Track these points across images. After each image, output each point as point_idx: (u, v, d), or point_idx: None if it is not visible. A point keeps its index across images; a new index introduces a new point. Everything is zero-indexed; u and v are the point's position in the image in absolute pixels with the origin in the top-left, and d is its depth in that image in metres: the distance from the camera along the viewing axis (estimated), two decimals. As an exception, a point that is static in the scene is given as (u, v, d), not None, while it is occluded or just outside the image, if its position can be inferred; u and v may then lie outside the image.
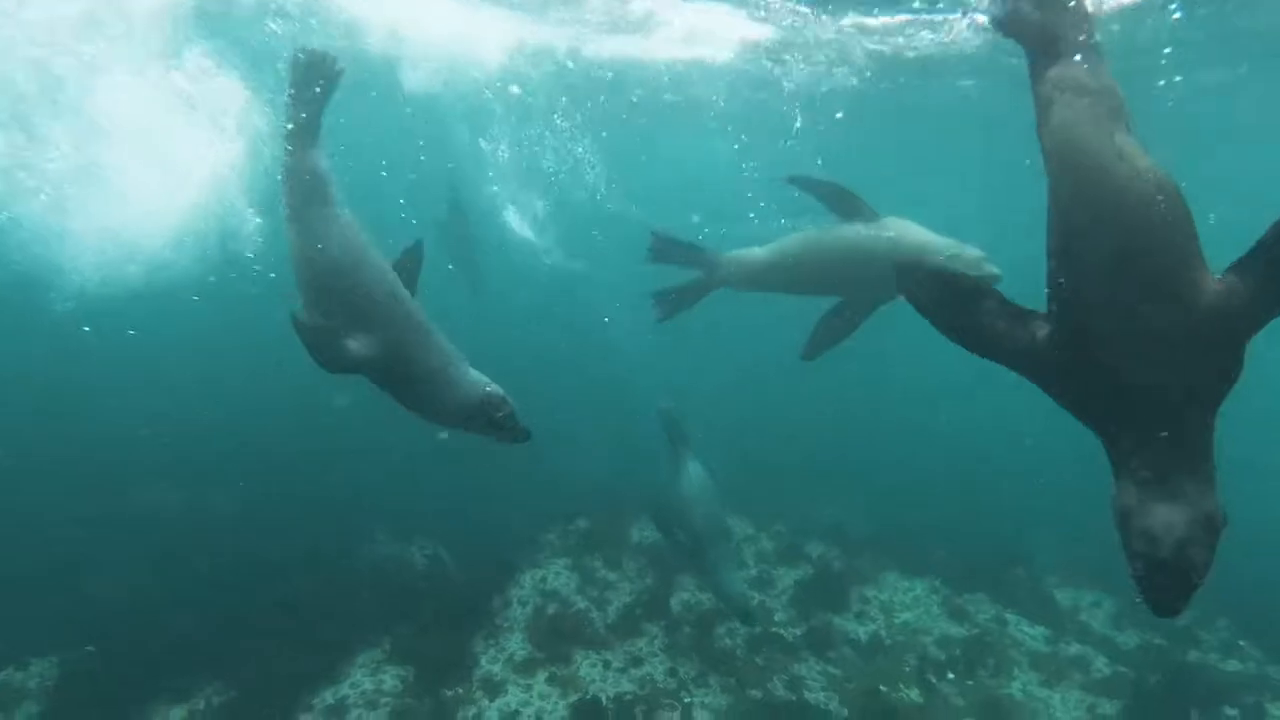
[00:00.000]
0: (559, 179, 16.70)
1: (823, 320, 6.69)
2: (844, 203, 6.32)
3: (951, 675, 9.57)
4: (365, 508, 13.30)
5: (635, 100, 16.39)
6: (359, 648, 9.16)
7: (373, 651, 9.09)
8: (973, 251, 5.90)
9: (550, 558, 11.47)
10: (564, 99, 15.08)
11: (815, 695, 8.92)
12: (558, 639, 9.24)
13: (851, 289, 6.53)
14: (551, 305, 21.86)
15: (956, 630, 10.48)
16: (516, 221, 16.96)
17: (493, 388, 4.66)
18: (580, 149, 16.02)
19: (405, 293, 4.92)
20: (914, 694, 9.15)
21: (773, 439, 17.95)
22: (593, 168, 16.38)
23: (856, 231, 6.31)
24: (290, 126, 5.33)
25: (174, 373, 16.65)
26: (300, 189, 5.14)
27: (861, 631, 10.28)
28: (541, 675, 8.66)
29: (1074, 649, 10.32)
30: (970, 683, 9.46)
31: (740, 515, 13.59)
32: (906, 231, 6.19)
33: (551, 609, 10.00)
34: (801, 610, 10.47)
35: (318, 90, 5.29)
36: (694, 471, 9.31)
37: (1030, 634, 10.62)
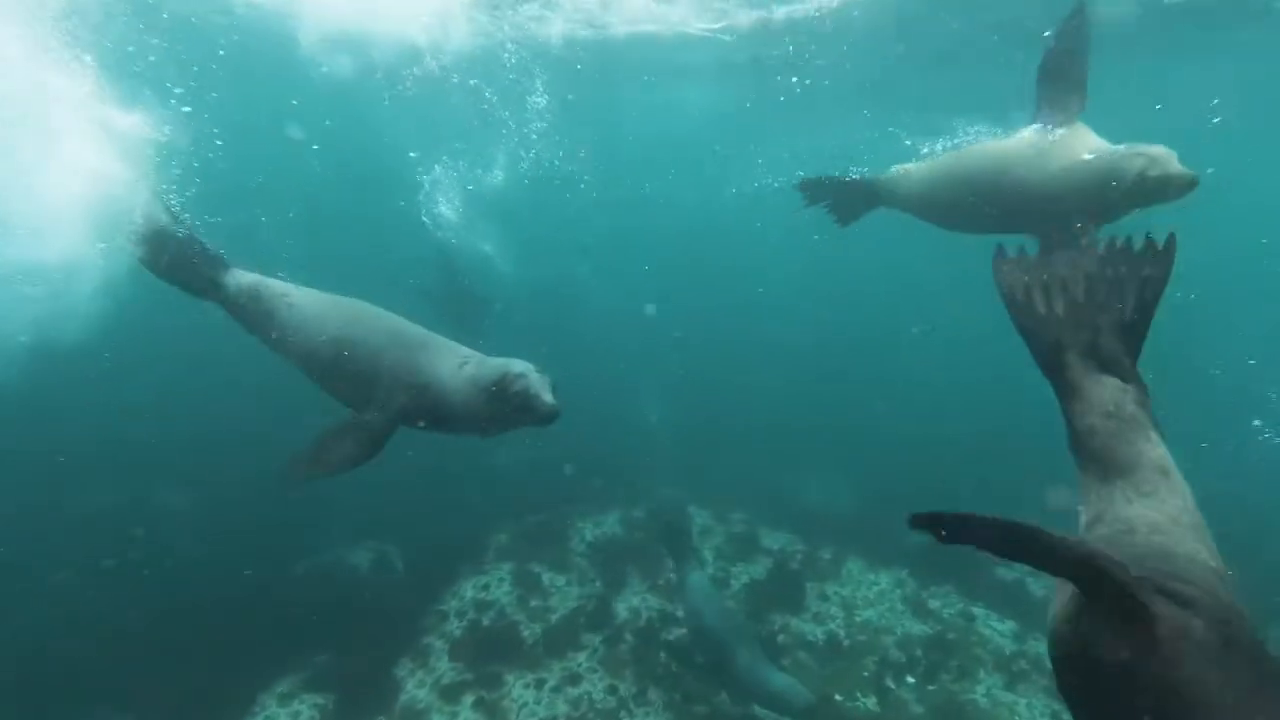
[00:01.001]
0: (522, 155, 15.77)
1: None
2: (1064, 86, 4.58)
3: (912, 679, 9.04)
4: (322, 507, 12.81)
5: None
6: (278, 672, 8.61)
7: (291, 678, 8.52)
8: (1155, 149, 4.24)
9: (496, 561, 10.90)
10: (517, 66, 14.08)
11: (765, 711, 8.37)
12: (490, 657, 8.67)
13: (1020, 220, 4.85)
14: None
15: (920, 628, 9.93)
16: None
17: (514, 364, 4.19)
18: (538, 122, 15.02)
19: (400, 323, 4.73)
20: (870, 702, 8.62)
21: (750, 415, 17.37)
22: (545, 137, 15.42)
23: (1014, 143, 4.77)
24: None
25: (113, 372, 15.97)
26: (248, 314, 4.98)
27: (819, 632, 9.72)
28: (468, 700, 8.10)
29: (1044, 645, 9.77)
30: (932, 687, 8.92)
31: (700, 505, 13.04)
32: (1074, 141, 4.56)
33: (488, 621, 9.43)
34: (756, 612, 9.90)
35: (176, 247, 5.00)
36: (697, 583, 8.56)
37: (999, 629, 10.08)
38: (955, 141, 6.61)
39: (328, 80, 12.72)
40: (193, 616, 9.23)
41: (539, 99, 14.65)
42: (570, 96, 15.00)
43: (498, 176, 16.50)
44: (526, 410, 4.01)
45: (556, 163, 16.47)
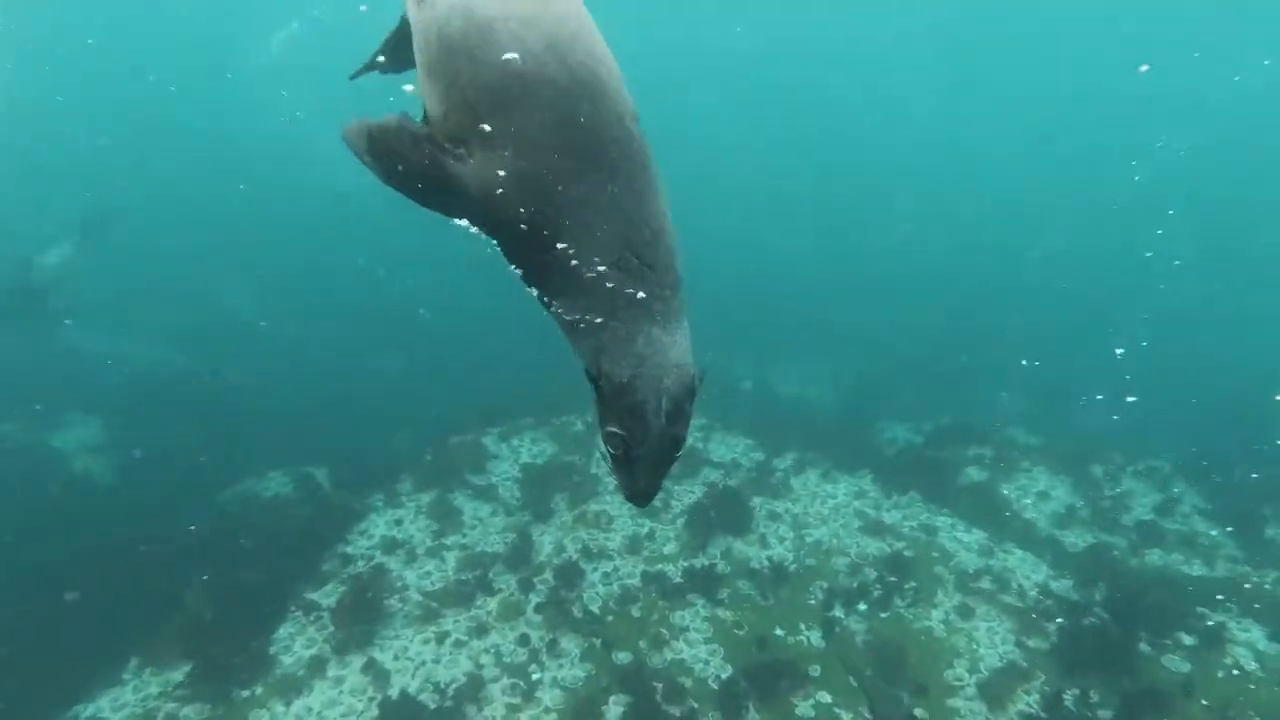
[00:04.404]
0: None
1: None
2: None
3: (864, 606, 8.16)
4: (251, 423, 11.93)
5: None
6: (145, 639, 7.62)
7: (165, 641, 7.57)
8: None
9: (414, 491, 9.87)
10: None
11: (695, 650, 7.52)
12: (388, 609, 7.75)
13: None
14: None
15: (876, 546, 8.99)
16: None
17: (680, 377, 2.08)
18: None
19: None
20: (814, 636, 7.76)
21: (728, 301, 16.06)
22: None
23: None
24: None
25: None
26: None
27: (764, 557, 8.78)
28: (357, 664, 7.21)
29: (1012, 558, 8.87)
30: (884, 615, 8.05)
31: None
32: None
33: (394, 564, 8.47)
34: (696, 538, 8.94)
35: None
36: None
37: (964, 542, 9.15)
38: None
39: None
40: (74, 568, 8.29)
41: None
42: None
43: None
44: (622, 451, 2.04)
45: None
